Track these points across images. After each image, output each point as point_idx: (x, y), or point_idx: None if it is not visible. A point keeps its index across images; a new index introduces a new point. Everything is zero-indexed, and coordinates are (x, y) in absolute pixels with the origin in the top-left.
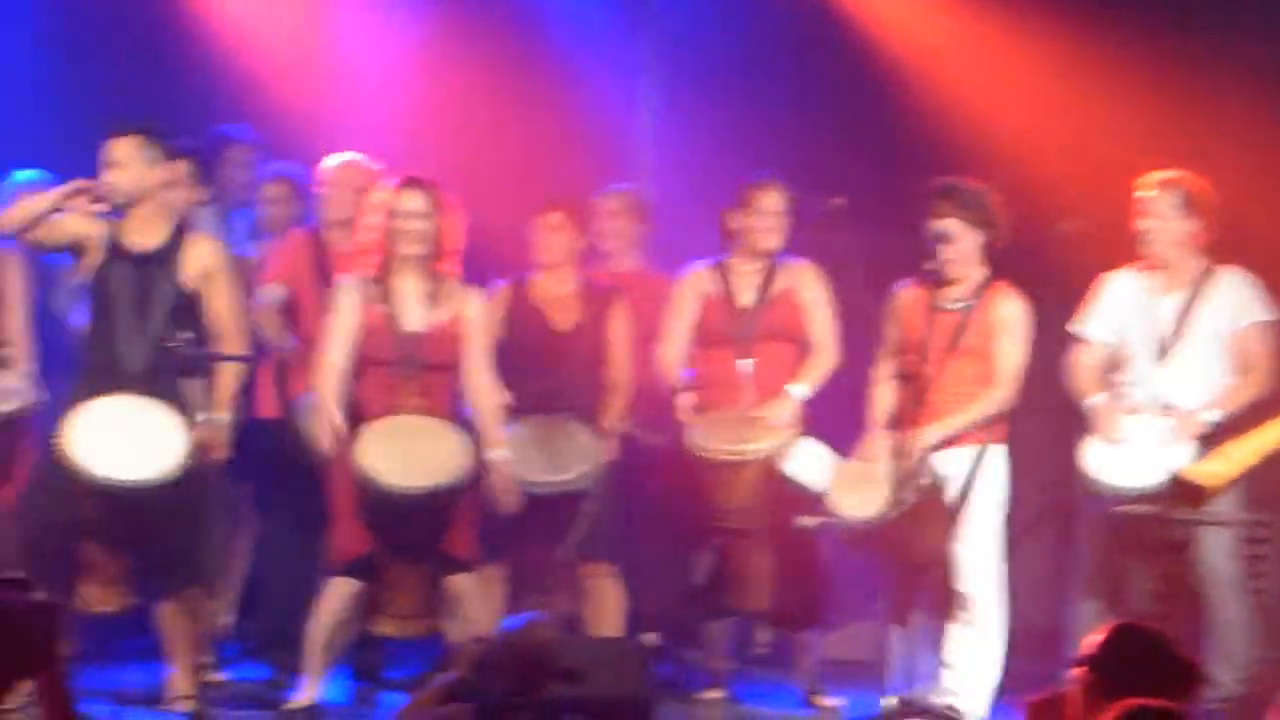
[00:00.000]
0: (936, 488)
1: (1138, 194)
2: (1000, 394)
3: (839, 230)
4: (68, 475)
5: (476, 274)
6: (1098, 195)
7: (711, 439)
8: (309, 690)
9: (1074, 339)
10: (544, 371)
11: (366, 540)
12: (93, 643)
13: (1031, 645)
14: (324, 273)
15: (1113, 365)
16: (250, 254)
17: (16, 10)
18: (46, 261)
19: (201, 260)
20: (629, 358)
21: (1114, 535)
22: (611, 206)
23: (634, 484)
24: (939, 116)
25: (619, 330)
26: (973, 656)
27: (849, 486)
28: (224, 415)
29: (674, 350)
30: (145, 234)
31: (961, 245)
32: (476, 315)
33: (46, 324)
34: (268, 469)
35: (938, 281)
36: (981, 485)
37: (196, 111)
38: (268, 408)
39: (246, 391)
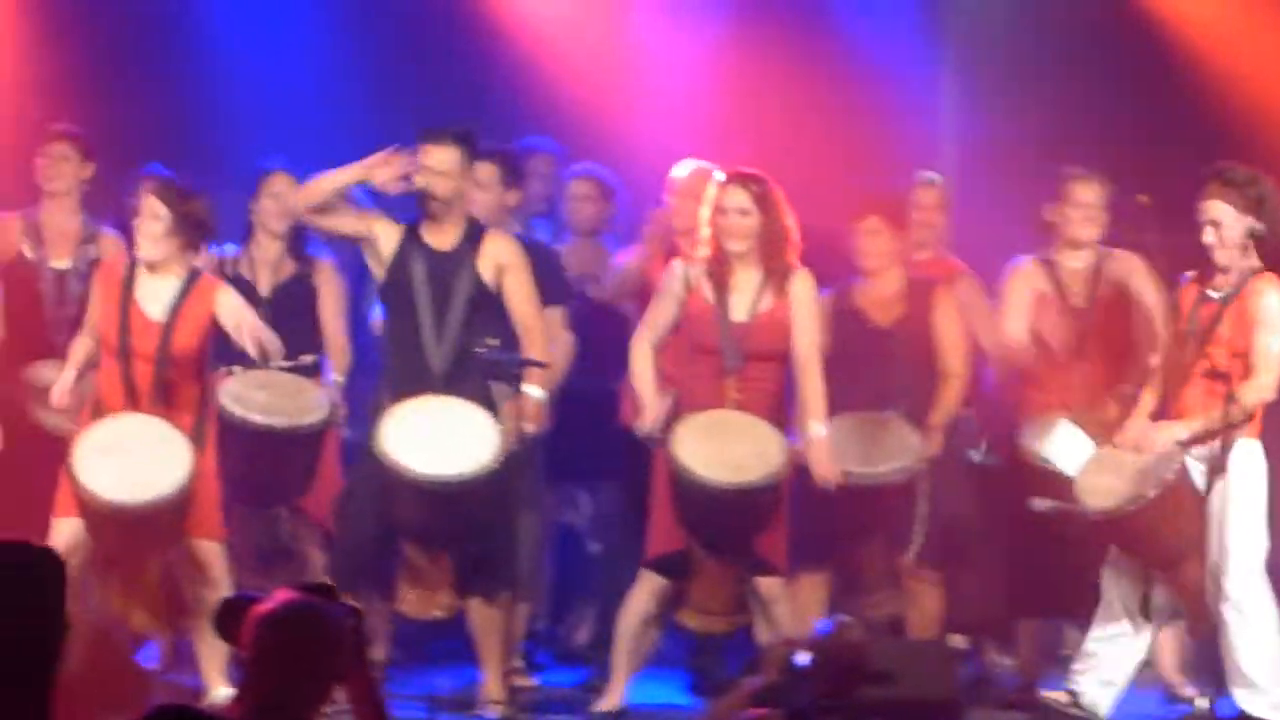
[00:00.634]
0: (1185, 483)
1: None
2: (1257, 387)
3: (1144, 228)
4: (384, 477)
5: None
6: None
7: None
8: (617, 692)
9: None
10: (871, 373)
11: (680, 536)
12: (404, 647)
13: None
14: None
15: None
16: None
17: (324, 12)
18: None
19: (498, 256)
20: (959, 345)
21: None
22: (922, 200)
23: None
24: (1246, 114)
25: (946, 320)
26: (1255, 653)
27: (1097, 475)
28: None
29: (1014, 343)
30: (443, 233)
31: (1228, 231)
32: (805, 300)
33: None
34: (617, 473)
35: (1207, 270)
36: (1237, 480)
37: (498, 113)
38: (628, 414)
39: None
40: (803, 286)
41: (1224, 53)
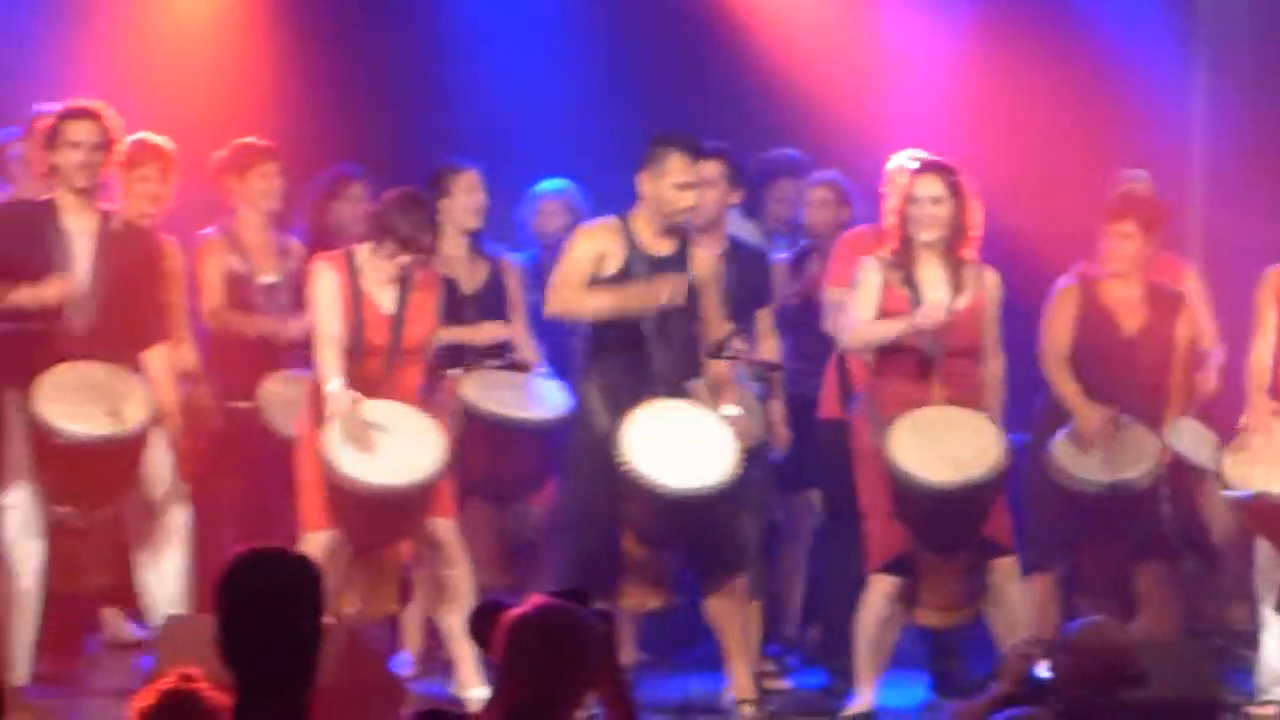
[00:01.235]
0: None
1: None
2: None
3: None
4: (613, 478)
5: (1037, 268)
6: None
7: None
8: (864, 696)
9: None
10: (1112, 379)
11: (901, 539)
12: (654, 652)
13: None
14: None
15: None
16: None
17: (568, 18)
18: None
19: (706, 264)
20: (1191, 355)
21: None
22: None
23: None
24: None
25: (1184, 335)
26: None
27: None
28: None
29: (1264, 354)
30: (661, 239)
31: None
32: (997, 295)
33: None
34: (831, 472)
35: None
36: None
37: (743, 116)
38: (830, 408)
39: (811, 394)
40: (993, 280)
41: None
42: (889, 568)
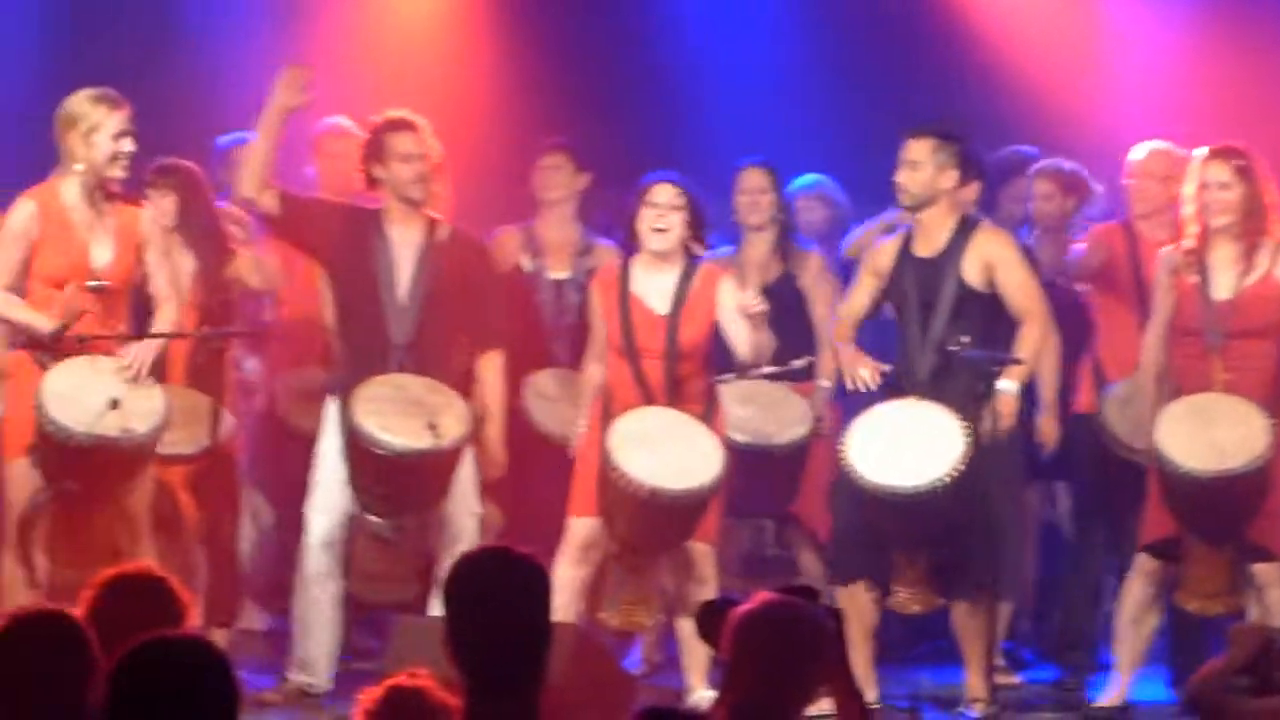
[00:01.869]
0: None
1: None
2: None
3: None
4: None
5: None
6: None
7: None
8: (1119, 687)
9: None
10: None
11: (1172, 522)
12: (890, 645)
13: None
14: (1135, 264)
15: None
16: None
17: (793, 13)
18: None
19: (987, 254)
20: None
21: None
22: None
23: None
24: None
25: None
26: None
27: None
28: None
29: None
30: (931, 238)
31: None
32: None
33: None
34: (1082, 467)
35: None
36: None
37: (969, 109)
38: (1084, 403)
39: (1063, 387)
40: None
41: None
42: (1153, 549)
